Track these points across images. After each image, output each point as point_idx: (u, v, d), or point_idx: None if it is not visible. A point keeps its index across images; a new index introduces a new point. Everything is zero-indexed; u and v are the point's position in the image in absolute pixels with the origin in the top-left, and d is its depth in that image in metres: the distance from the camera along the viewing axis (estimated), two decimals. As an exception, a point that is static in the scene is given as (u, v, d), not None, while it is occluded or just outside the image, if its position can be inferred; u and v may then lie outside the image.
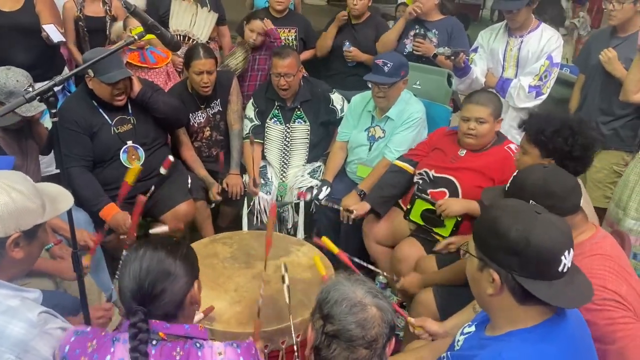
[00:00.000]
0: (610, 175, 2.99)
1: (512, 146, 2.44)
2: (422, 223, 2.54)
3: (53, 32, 3.13)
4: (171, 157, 2.52)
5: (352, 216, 2.70)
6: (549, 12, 4.73)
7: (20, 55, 3.11)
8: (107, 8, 3.65)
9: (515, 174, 1.69)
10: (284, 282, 1.88)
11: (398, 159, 2.80)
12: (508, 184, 1.68)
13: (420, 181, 2.62)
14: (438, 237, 2.51)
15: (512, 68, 3.07)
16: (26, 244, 1.38)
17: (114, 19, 3.66)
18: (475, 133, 2.43)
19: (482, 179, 2.41)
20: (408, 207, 2.57)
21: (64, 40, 3.23)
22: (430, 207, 2.49)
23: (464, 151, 2.53)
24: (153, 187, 2.55)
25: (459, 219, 2.42)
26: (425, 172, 2.60)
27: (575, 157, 1.86)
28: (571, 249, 1.25)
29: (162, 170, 2.50)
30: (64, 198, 1.54)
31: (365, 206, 2.71)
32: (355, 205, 2.72)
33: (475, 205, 2.35)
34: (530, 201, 1.53)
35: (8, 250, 1.34)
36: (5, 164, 1.98)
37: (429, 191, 2.54)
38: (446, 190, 2.50)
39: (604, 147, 3.00)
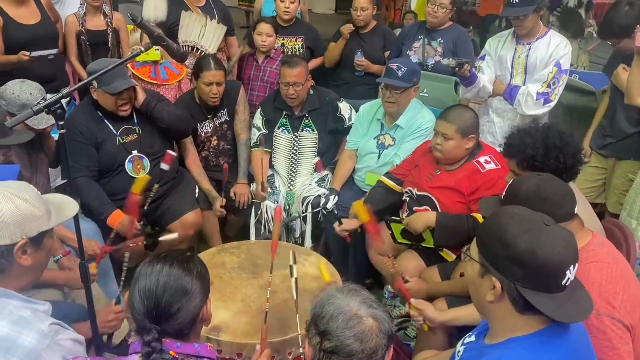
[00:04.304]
0: (625, 183, 2.94)
1: (482, 159, 2.44)
2: (410, 243, 2.57)
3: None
4: (172, 152, 2.51)
5: (338, 229, 2.72)
6: (571, 27, 4.72)
7: (40, 67, 3.15)
8: (109, 21, 3.68)
9: (510, 182, 1.69)
10: (292, 275, 1.85)
11: (385, 175, 2.82)
12: (504, 193, 1.68)
13: (408, 199, 2.66)
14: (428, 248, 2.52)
15: (520, 75, 3.05)
16: (34, 250, 1.40)
17: (116, 31, 3.70)
18: (441, 149, 2.45)
19: (457, 195, 2.44)
20: (390, 232, 2.60)
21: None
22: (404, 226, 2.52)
23: (439, 171, 2.54)
24: (157, 186, 2.54)
25: (433, 229, 2.43)
26: (410, 190, 2.64)
27: (569, 168, 1.88)
28: (576, 264, 1.23)
29: (164, 166, 2.48)
30: (69, 206, 1.57)
31: (354, 223, 2.71)
32: (344, 220, 2.74)
33: (433, 217, 2.39)
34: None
35: (16, 257, 1.36)
36: (10, 173, 1.98)
37: (415, 208, 2.55)
38: (429, 208, 2.53)
39: (619, 158, 2.96)
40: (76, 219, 1.71)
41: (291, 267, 1.88)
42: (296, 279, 1.85)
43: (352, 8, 3.74)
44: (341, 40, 3.78)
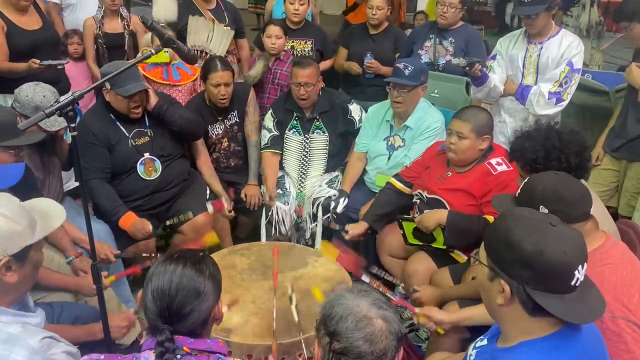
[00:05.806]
0: (636, 185, 2.91)
1: (493, 161, 2.42)
2: (421, 243, 2.56)
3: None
4: (224, 203, 2.67)
5: (347, 237, 2.69)
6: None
7: (45, 69, 3.19)
8: (126, 23, 3.71)
9: (526, 179, 1.67)
10: (291, 302, 1.92)
11: (394, 176, 2.81)
12: (519, 190, 1.66)
13: (418, 201, 2.64)
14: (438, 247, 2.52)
15: (531, 75, 3.02)
16: (18, 267, 1.37)
17: (133, 34, 3.72)
18: (455, 148, 2.43)
19: (468, 198, 2.42)
20: (402, 233, 2.58)
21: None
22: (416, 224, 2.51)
23: (450, 173, 2.53)
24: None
25: (444, 227, 2.42)
26: (420, 193, 2.63)
27: (574, 166, 1.85)
28: (585, 263, 1.21)
29: (209, 208, 2.59)
30: (55, 214, 1.52)
31: (362, 226, 2.70)
32: (350, 225, 2.72)
33: (444, 215, 2.38)
34: (540, 207, 1.51)
35: (0, 275, 1.33)
36: (16, 172, 1.97)
37: (425, 211, 2.53)
38: None
39: (630, 160, 2.92)
40: (87, 220, 1.72)
41: (290, 298, 1.96)
42: (296, 306, 1.94)
43: (367, 6, 3.73)
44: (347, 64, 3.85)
